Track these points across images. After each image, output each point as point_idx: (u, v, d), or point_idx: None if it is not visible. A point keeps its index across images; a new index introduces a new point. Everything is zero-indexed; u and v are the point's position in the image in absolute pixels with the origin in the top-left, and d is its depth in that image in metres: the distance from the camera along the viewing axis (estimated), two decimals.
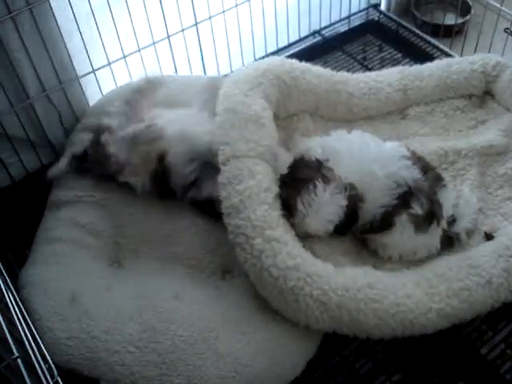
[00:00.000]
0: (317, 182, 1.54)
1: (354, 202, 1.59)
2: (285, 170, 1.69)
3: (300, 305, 1.50)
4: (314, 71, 2.06)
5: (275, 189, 1.67)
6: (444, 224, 1.69)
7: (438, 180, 1.72)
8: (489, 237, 1.77)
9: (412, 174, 1.64)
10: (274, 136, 1.80)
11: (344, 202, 1.55)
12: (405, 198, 1.61)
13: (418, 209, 1.61)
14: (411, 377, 1.64)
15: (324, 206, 1.54)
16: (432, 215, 1.64)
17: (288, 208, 1.60)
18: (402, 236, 1.64)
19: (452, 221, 1.73)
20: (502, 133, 2.00)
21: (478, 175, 1.93)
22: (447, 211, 1.70)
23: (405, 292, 1.54)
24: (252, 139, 1.72)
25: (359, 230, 1.69)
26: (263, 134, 1.75)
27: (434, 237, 1.68)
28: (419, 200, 1.62)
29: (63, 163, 1.90)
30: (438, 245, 1.69)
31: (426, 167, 1.71)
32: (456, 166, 1.95)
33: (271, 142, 1.76)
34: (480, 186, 1.91)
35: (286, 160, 1.82)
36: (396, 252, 1.70)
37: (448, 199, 1.71)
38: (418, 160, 1.71)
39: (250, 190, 1.62)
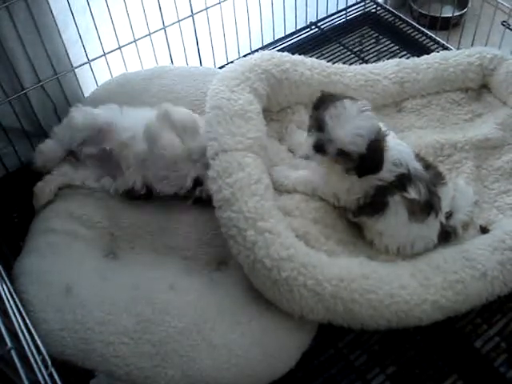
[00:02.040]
0: (344, 100, 1.55)
1: (383, 138, 1.58)
2: (273, 162, 1.73)
3: (294, 295, 1.50)
4: (307, 63, 2.05)
5: (266, 180, 1.67)
6: (442, 218, 1.69)
7: (438, 177, 1.72)
8: (484, 230, 1.77)
9: (413, 163, 1.65)
10: (262, 128, 1.80)
11: (373, 121, 1.56)
12: (402, 181, 1.61)
13: (413, 194, 1.61)
14: (405, 369, 1.64)
15: (352, 119, 1.53)
16: (430, 206, 1.64)
17: (319, 127, 1.58)
18: (396, 222, 1.64)
19: (449, 215, 1.73)
20: (498, 126, 2.00)
21: (474, 168, 1.93)
22: (445, 207, 1.71)
23: (400, 283, 1.55)
24: (238, 133, 1.72)
25: (353, 207, 1.69)
26: (250, 127, 1.75)
27: (431, 229, 1.68)
28: (417, 187, 1.62)
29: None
30: (436, 239, 1.69)
31: (428, 165, 1.72)
32: (452, 159, 1.95)
33: (259, 135, 1.76)
34: (476, 179, 1.91)
35: (276, 151, 1.83)
36: (392, 241, 1.69)
37: (447, 196, 1.72)
38: (421, 159, 1.72)
39: (241, 182, 1.61)
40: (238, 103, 1.79)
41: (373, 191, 1.63)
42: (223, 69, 1.97)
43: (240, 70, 1.90)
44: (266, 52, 2.03)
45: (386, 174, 1.60)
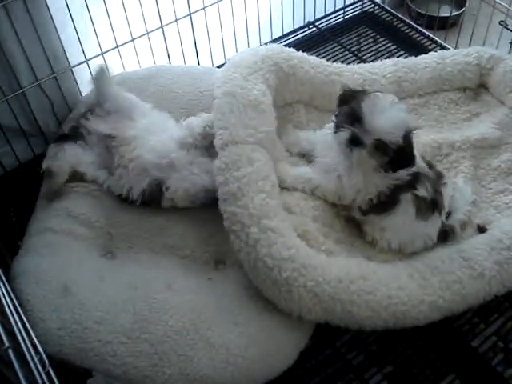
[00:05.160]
0: (377, 93, 1.56)
1: (413, 131, 1.58)
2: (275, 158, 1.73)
3: (293, 295, 1.50)
4: (311, 61, 2.05)
5: (273, 178, 1.65)
6: (444, 217, 1.70)
7: (439, 177, 1.73)
8: (482, 229, 1.77)
9: (420, 162, 1.66)
10: (273, 123, 1.78)
11: (405, 113, 1.56)
12: (414, 179, 1.62)
13: (423, 192, 1.62)
14: (403, 369, 1.65)
15: (388, 110, 1.53)
16: (435, 204, 1.65)
17: (353, 119, 1.55)
18: (404, 219, 1.64)
19: (447, 215, 1.73)
20: (496, 126, 2.00)
21: (472, 168, 1.93)
22: (446, 207, 1.71)
23: (398, 284, 1.55)
24: (251, 125, 1.69)
25: (364, 206, 1.67)
26: (262, 120, 1.72)
27: (433, 227, 1.69)
28: (425, 185, 1.62)
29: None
30: (435, 238, 1.70)
31: (429, 164, 1.73)
32: (450, 159, 1.95)
33: (270, 129, 1.74)
34: (473, 178, 1.92)
35: (280, 149, 1.82)
36: (395, 237, 1.69)
37: (447, 196, 1.72)
38: (422, 157, 1.73)
39: (249, 177, 1.59)
40: (252, 93, 1.76)
41: (388, 191, 1.62)
42: (235, 55, 1.95)
43: (252, 59, 1.88)
44: (275, 45, 2.03)
45: (402, 172, 1.60)
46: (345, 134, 1.56)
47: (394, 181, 1.61)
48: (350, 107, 1.58)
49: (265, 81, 1.85)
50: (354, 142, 1.55)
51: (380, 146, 1.53)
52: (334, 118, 1.65)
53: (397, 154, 1.54)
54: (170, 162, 1.77)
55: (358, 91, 1.63)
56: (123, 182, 1.80)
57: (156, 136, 1.83)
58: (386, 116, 1.52)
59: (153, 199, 1.80)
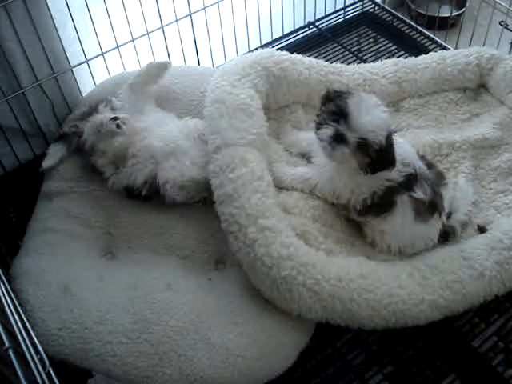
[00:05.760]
0: (361, 93, 1.55)
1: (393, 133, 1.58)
2: (271, 160, 1.75)
3: (293, 294, 1.50)
4: (306, 62, 2.04)
5: (268, 177, 1.67)
6: (444, 218, 1.69)
7: (440, 177, 1.73)
8: (482, 229, 1.77)
9: (418, 162, 1.65)
10: (264, 124, 1.79)
11: (388, 115, 1.55)
12: (409, 181, 1.61)
13: (420, 194, 1.60)
14: (403, 369, 1.65)
15: (373, 110, 1.51)
16: (434, 206, 1.64)
17: (338, 116, 1.52)
18: (403, 222, 1.63)
19: (448, 215, 1.73)
20: (496, 126, 2.00)
21: (472, 168, 1.93)
22: (446, 208, 1.71)
23: (398, 283, 1.55)
24: (241, 127, 1.71)
25: (359, 207, 1.66)
26: (253, 123, 1.74)
27: (433, 229, 1.68)
28: (422, 186, 1.61)
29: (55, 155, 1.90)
30: (436, 239, 1.69)
31: (429, 164, 1.72)
32: (450, 159, 1.95)
33: (261, 131, 1.75)
34: (473, 178, 1.91)
35: (274, 150, 1.82)
36: (395, 241, 1.68)
37: (447, 196, 1.72)
38: (422, 157, 1.73)
39: (243, 178, 1.61)
40: (240, 97, 1.78)
41: (381, 192, 1.61)
42: (223, 64, 1.96)
43: (240, 65, 1.90)
44: (265, 50, 2.03)
45: (395, 174, 1.59)
46: (329, 131, 1.54)
47: (386, 182, 1.60)
48: (335, 104, 1.56)
49: (253, 86, 1.86)
50: (338, 138, 1.53)
51: (363, 146, 1.51)
52: (315, 118, 1.64)
53: (378, 156, 1.52)
54: (175, 147, 1.80)
55: (341, 91, 1.62)
56: (131, 171, 1.80)
57: (165, 127, 1.85)
58: (371, 115, 1.50)
59: (154, 191, 1.80)
